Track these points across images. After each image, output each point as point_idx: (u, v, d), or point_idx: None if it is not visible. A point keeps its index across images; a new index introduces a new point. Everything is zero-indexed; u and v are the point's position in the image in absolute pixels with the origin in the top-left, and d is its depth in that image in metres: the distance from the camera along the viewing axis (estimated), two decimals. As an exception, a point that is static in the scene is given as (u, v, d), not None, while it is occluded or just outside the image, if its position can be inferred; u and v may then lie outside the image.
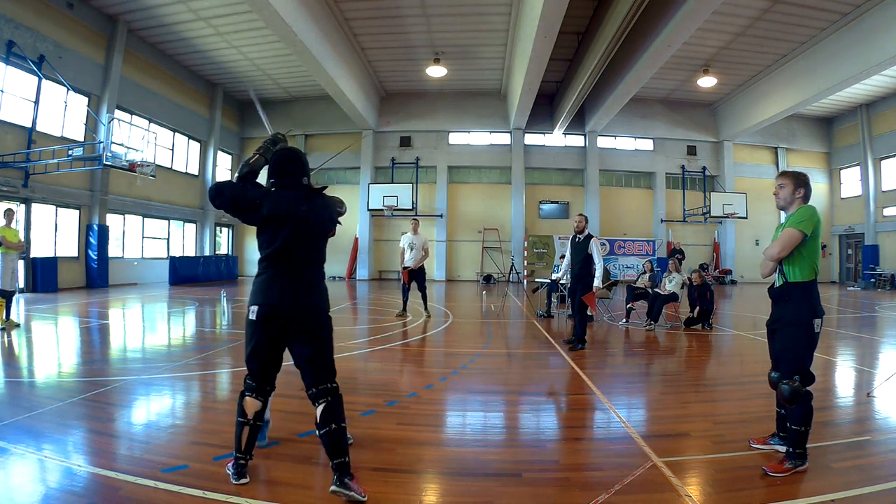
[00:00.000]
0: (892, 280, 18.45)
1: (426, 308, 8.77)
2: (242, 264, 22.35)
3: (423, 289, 8.55)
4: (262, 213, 2.44)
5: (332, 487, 2.28)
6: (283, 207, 2.44)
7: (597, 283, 5.90)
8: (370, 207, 20.17)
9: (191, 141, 19.63)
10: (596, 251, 5.96)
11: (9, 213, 7.32)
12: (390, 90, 21.16)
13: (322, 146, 22.30)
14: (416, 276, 8.51)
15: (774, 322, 2.84)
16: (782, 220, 2.90)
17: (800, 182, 2.82)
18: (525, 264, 19.22)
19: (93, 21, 14.16)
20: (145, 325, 8.29)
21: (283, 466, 2.67)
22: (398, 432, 3.23)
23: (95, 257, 14.45)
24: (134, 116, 15.76)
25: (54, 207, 13.68)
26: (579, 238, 6.15)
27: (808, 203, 2.82)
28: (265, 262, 2.48)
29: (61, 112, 13.55)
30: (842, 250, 22.57)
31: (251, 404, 2.44)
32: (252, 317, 2.42)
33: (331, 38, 14.64)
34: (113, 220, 15.62)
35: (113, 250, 15.38)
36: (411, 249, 8.47)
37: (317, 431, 2.38)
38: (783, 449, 2.80)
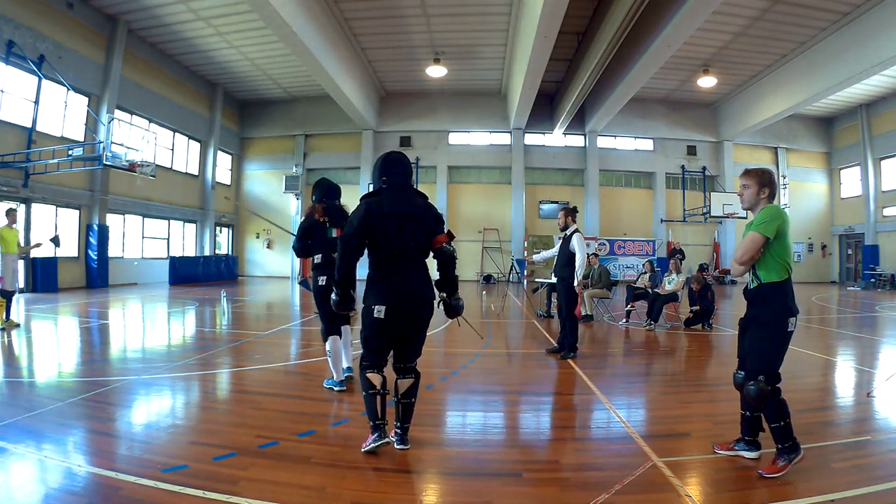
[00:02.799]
0: (892, 280, 18.45)
1: None
2: (242, 264, 22.35)
3: None
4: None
5: (398, 445, 2.86)
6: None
7: (577, 279, 5.54)
8: (370, 207, 20.13)
9: (191, 141, 19.63)
10: (578, 246, 5.57)
11: (11, 214, 7.31)
12: (390, 90, 21.16)
13: (322, 146, 22.32)
14: None
15: (747, 321, 2.77)
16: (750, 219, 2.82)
17: (764, 181, 2.74)
18: (525, 264, 19.21)
19: (93, 21, 14.16)
20: (145, 325, 8.29)
21: (283, 466, 2.66)
22: (398, 432, 3.23)
23: (95, 257, 14.45)
24: (134, 116, 15.76)
25: (54, 207, 13.68)
26: (566, 235, 5.77)
27: (773, 202, 2.75)
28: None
29: (61, 112, 13.55)
30: (842, 250, 22.57)
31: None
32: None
33: (331, 37, 14.64)
34: (113, 220, 15.62)
35: (113, 250, 15.39)
36: None
37: (396, 399, 2.89)
38: (749, 455, 2.75)
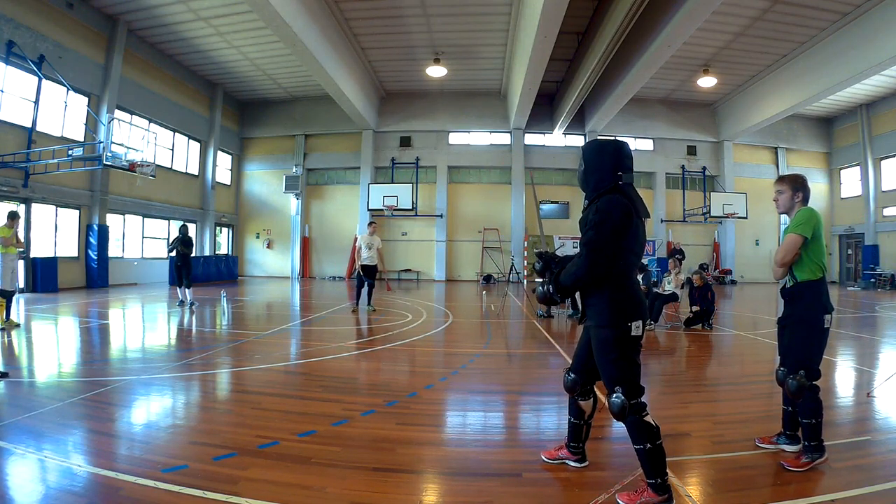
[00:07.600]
0: (892, 280, 18.45)
1: (370, 302, 9.79)
2: (242, 264, 22.36)
3: (371, 284, 9.69)
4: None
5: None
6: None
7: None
8: (370, 207, 20.17)
9: (191, 141, 19.63)
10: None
11: (13, 217, 7.30)
12: (390, 90, 21.17)
13: (322, 146, 22.32)
14: (370, 272, 9.54)
15: (785, 319, 2.90)
16: (784, 223, 2.94)
17: (797, 185, 2.89)
18: (525, 264, 19.22)
19: (93, 21, 14.16)
20: (145, 325, 8.29)
21: (283, 466, 2.66)
22: (398, 432, 3.23)
23: (95, 257, 14.45)
24: (134, 116, 15.76)
25: (54, 207, 13.69)
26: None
27: (808, 205, 2.88)
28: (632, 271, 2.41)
29: (61, 112, 13.55)
30: (842, 250, 22.58)
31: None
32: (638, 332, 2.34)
33: (331, 38, 14.64)
34: (113, 220, 15.62)
35: (113, 250, 15.39)
36: (368, 249, 9.45)
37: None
38: (790, 448, 2.87)
